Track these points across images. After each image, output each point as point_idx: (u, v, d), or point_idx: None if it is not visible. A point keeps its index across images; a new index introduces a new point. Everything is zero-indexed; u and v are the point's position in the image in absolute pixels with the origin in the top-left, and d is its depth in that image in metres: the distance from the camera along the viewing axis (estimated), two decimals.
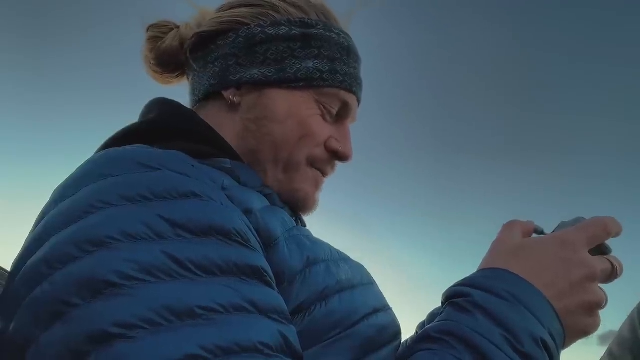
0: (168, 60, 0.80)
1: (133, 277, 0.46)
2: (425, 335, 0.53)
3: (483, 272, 0.57)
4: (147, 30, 0.81)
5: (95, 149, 0.69)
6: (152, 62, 0.81)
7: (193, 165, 0.58)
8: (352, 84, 0.75)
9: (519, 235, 0.62)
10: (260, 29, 0.73)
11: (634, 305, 1.23)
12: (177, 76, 0.83)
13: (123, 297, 0.45)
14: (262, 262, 0.54)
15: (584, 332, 0.56)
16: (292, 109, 0.72)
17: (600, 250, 0.58)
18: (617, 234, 0.59)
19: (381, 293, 0.70)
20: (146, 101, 0.76)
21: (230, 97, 0.74)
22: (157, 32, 0.80)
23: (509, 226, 0.63)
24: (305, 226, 0.77)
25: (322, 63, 0.73)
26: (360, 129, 0.81)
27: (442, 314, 0.55)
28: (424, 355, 0.52)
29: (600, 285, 0.58)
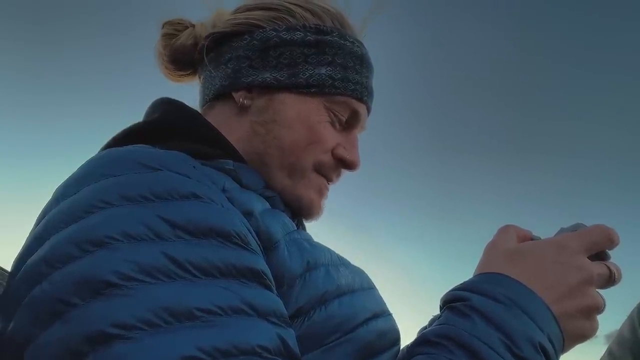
0: (181, 58, 0.80)
1: (132, 277, 0.46)
2: (424, 339, 0.53)
3: (481, 276, 0.57)
4: (162, 26, 0.81)
5: (95, 150, 0.69)
6: (165, 58, 0.81)
7: (194, 167, 0.58)
8: (363, 93, 0.75)
9: (514, 240, 0.61)
10: (275, 33, 0.73)
11: (634, 305, 1.23)
12: (189, 74, 0.83)
13: (122, 297, 0.45)
14: (262, 265, 0.53)
15: (583, 337, 0.56)
16: (301, 114, 0.72)
17: (599, 257, 0.58)
18: (616, 245, 0.58)
19: (381, 298, 0.69)
20: (147, 102, 0.76)
21: (241, 99, 0.74)
22: (172, 29, 0.80)
23: (504, 230, 0.62)
24: (305, 230, 0.77)
25: (334, 70, 0.73)
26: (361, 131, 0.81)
27: (441, 318, 0.55)
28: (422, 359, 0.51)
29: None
